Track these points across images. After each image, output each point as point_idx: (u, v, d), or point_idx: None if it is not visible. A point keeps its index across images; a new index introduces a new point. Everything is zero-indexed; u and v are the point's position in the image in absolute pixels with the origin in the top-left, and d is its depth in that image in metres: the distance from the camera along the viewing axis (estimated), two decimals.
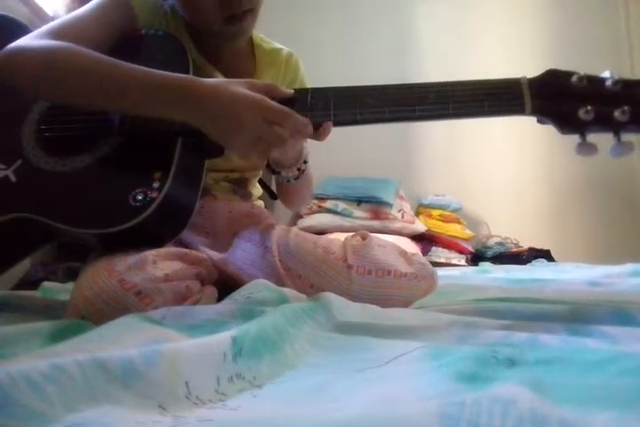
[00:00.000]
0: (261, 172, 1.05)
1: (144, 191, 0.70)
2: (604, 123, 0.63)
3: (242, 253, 0.80)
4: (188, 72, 0.79)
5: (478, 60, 2.97)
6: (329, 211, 2.49)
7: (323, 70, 2.77)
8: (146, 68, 0.71)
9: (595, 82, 0.64)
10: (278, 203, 1.03)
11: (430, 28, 3.03)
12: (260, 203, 1.04)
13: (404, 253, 0.82)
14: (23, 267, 1.45)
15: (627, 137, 0.63)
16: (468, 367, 0.37)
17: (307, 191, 1.02)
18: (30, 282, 1.33)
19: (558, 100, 0.65)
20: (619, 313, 0.60)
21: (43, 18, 1.67)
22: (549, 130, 0.67)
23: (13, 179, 0.76)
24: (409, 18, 3.03)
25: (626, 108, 0.62)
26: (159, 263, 0.67)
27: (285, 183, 0.91)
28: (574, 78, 0.65)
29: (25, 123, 0.82)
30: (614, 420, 0.28)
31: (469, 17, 3.04)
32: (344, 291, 0.72)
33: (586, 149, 0.64)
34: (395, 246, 0.83)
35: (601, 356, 0.38)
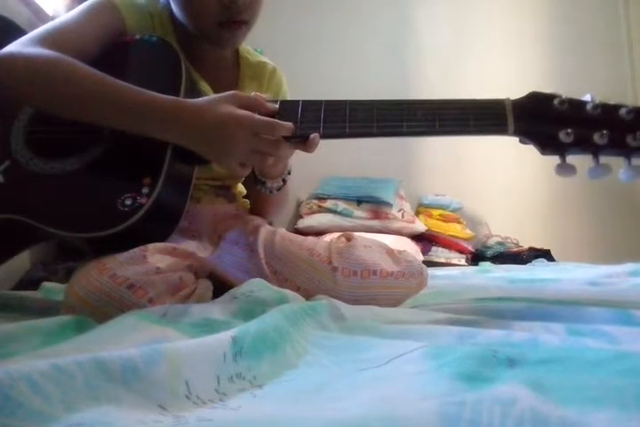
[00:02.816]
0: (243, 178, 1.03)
1: (133, 196, 0.70)
2: (584, 145, 0.65)
3: (229, 257, 0.80)
4: (180, 84, 0.79)
5: (478, 60, 2.97)
6: (329, 211, 2.49)
7: (322, 70, 2.78)
8: (133, 87, 0.71)
9: (575, 106, 0.66)
10: None
11: (430, 28, 3.03)
12: (246, 202, 1.03)
13: (390, 252, 0.82)
14: (23, 267, 1.44)
15: (605, 160, 0.66)
16: (468, 367, 0.37)
17: (286, 202, 1.02)
18: (30, 282, 1.32)
19: (540, 122, 0.67)
20: (619, 313, 0.60)
21: (43, 18, 1.67)
22: None
23: (1, 180, 0.76)
24: (409, 18, 3.03)
25: (605, 131, 0.64)
26: (150, 258, 0.67)
27: (267, 194, 0.90)
28: (556, 102, 0.66)
29: (14, 123, 0.81)
30: (614, 420, 0.28)
31: (469, 17, 3.04)
32: (330, 293, 0.72)
33: (565, 169, 0.67)
34: (381, 245, 0.83)
35: (601, 356, 0.38)
